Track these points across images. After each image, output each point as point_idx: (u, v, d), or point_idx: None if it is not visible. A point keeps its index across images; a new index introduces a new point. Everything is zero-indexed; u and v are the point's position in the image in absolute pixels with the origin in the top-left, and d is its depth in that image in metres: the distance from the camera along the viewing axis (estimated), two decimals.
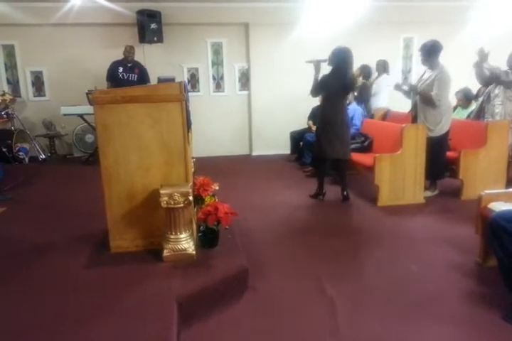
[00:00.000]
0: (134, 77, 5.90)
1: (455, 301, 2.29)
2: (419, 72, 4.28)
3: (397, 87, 4.30)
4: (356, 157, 4.57)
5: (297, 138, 5.94)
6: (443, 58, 4.02)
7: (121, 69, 5.87)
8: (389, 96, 5.85)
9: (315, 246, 3.08)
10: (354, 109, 5.28)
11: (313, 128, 5.87)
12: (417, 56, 5.58)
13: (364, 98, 5.82)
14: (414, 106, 4.22)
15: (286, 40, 6.40)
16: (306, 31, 6.32)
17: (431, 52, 3.96)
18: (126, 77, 5.87)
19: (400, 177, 3.98)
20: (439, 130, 4.03)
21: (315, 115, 6.04)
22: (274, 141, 6.70)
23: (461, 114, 5.27)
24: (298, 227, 3.47)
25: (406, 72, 7.11)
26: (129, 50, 5.85)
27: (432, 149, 3.95)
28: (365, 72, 5.85)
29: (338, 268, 2.72)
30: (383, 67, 5.98)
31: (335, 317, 2.14)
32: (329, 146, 3.99)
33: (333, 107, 3.99)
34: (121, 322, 1.91)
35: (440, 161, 4.13)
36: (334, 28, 6.23)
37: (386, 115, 5.73)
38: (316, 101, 6.03)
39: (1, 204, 3.79)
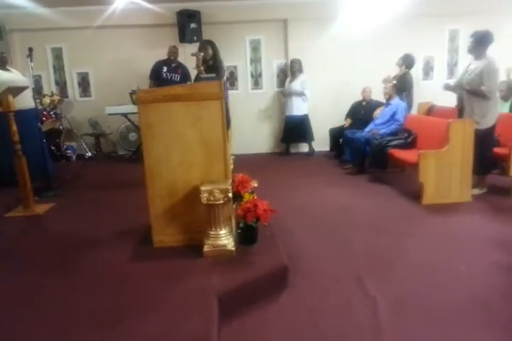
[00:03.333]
0: (177, 77, 6.00)
1: (504, 306, 2.17)
2: (466, 65, 4.07)
3: (447, 87, 4.12)
4: (399, 153, 4.44)
5: (337, 135, 5.85)
6: (491, 49, 3.82)
7: (165, 68, 5.97)
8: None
9: (356, 244, 3.02)
10: (397, 104, 5.12)
11: (347, 125, 5.81)
12: (463, 49, 5.35)
13: (405, 87, 5.61)
14: (460, 100, 4.04)
15: (326, 35, 6.31)
16: (345, 25, 6.20)
17: (481, 41, 3.78)
18: (169, 77, 5.98)
19: (446, 175, 3.82)
20: (486, 122, 3.84)
21: (354, 112, 5.92)
22: (314, 137, 6.62)
23: (502, 106, 4.99)
24: (338, 225, 3.41)
25: (452, 66, 6.82)
26: (173, 51, 5.95)
27: (479, 143, 3.77)
28: (408, 61, 5.65)
29: (381, 268, 2.64)
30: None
31: (377, 318, 2.09)
32: None
33: None
34: (164, 316, 1.96)
35: (487, 156, 3.94)
36: (375, 22, 6.07)
37: (431, 110, 5.52)
38: (356, 98, 5.93)
39: (51, 200, 3.98)
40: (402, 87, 5.41)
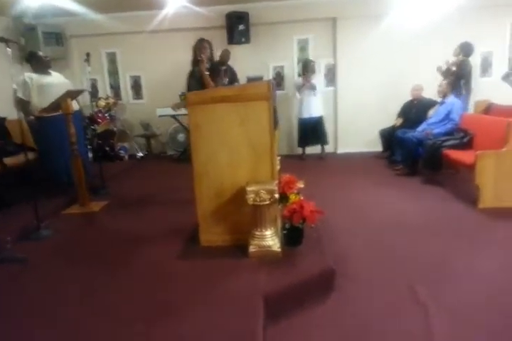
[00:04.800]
0: (226, 80, 6.09)
1: None
2: None
3: (506, 78, 3.87)
4: (454, 154, 4.23)
5: (387, 136, 5.66)
6: None
7: None
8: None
9: (407, 249, 2.90)
10: (452, 102, 4.88)
11: (397, 124, 5.58)
12: None
13: (463, 75, 5.32)
14: None
15: (375, 32, 6.12)
16: (396, 21, 5.99)
17: None
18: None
19: (506, 177, 3.59)
20: None
21: (405, 111, 5.71)
22: (361, 138, 6.46)
23: None
24: (388, 228, 3.30)
25: None
26: (226, 54, 6.02)
27: None
28: (466, 49, 5.37)
29: (434, 274, 2.53)
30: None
31: (429, 328, 1.99)
32: None
33: None
34: (210, 313, 1.98)
35: None
36: (428, 16, 5.82)
37: (489, 108, 5.21)
38: (408, 96, 5.72)
39: (105, 198, 4.17)
40: (459, 74, 5.14)
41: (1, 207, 3.64)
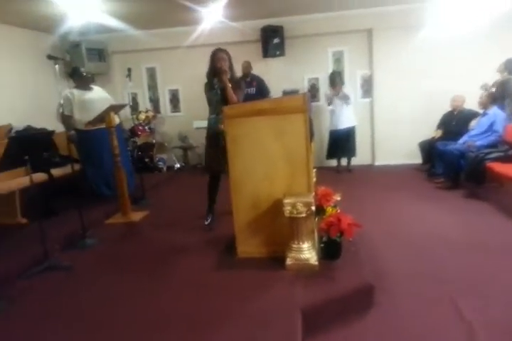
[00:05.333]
0: (253, 90, 6.20)
1: None
2: None
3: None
4: (499, 167, 4.08)
5: (427, 148, 5.51)
6: None
7: None
8: None
9: (449, 263, 2.81)
10: (494, 113, 4.71)
11: (437, 136, 5.42)
12: None
13: (507, 95, 5.12)
14: None
15: (413, 43, 6.04)
16: (434, 31, 5.88)
17: None
18: (245, 92, 6.18)
19: None
20: None
21: (445, 123, 5.56)
22: (399, 150, 6.32)
23: None
24: (429, 242, 3.20)
25: None
26: (245, 65, 6.15)
27: None
28: (511, 67, 5.18)
29: (478, 290, 2.42)
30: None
31: None
32: None
33: None
34: (247, 325, 1.99)
35: None
36: (469, 26, 5.67)
37: None
38: (447, 108, 5.57)
39: (145, 208, 4.29)
40: (503, 94, 4.97)
41: (49, 215, 3.82)
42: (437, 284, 2.54)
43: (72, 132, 4.30)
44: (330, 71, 6.47)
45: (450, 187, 4.69)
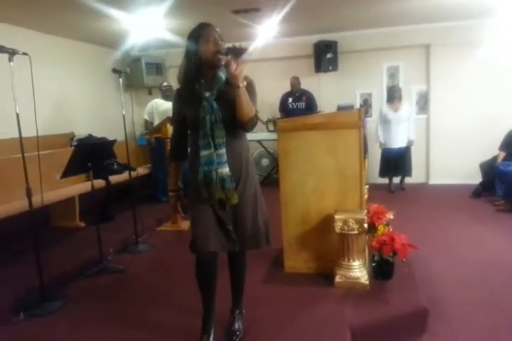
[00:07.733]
0: (302, 104, 6.23)
1: None
2: None
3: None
4: None
5: (487, 168, 5.22)
6: None
7: (290, 99, 6.30)
8: None
9: (507, 290, 2.62)
10: None
11: (500, 158, 5.08)
12: None
13: None
14: None
15: (472, 60, 5.81)
16: (494, 48, 5.64)
17: None
18: (295, 106, 6.25)
19: None
20: None
21: (508, 143, 5.22)
22: (457, 169, 6.03)
23: None
24: (486, 267, 3.01)
25: None
26: (292, 81, 6.20)
27: None
28: None
29: None
30: None
31: None
32: None
33: None
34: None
35: None
36: None
37: None
38: (509, 127, 5.26)
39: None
40: None
41: (106, 219, 4.01)
42: (496, 312, 2.37)
43: (152, 139, 4.84)
44: (384, 86, 6.36)
45: (511, 210, 4.42)
